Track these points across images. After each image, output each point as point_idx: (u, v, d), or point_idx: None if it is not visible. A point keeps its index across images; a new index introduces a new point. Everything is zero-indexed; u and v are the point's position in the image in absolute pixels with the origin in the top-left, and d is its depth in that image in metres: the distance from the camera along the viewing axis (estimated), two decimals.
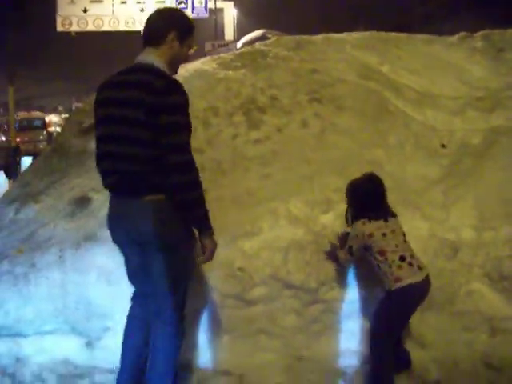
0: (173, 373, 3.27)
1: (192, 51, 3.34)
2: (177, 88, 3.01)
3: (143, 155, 3.00)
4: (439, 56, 6.46)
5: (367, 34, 6.90)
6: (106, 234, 4.10)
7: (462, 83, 6.06)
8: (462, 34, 6.99)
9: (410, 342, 3.90)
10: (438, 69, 6.24)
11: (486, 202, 4.48)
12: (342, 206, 4.29)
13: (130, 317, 3.44)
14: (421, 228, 4.27)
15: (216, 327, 3.97)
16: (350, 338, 3.99)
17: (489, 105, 5.62)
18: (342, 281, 4.01)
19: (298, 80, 5.52)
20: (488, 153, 4.94)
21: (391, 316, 3.59)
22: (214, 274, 3.96)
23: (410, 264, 3.51)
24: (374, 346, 3.59)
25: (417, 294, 3.55)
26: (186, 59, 3.38)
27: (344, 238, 3.85)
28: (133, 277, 3.37)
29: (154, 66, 3.06)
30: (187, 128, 3.08)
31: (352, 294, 4.00)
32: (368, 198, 3.69)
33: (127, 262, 3.37)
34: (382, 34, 6.86)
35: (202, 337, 3.95)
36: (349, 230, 3.78)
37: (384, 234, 3.55)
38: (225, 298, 3.96)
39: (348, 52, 6.22)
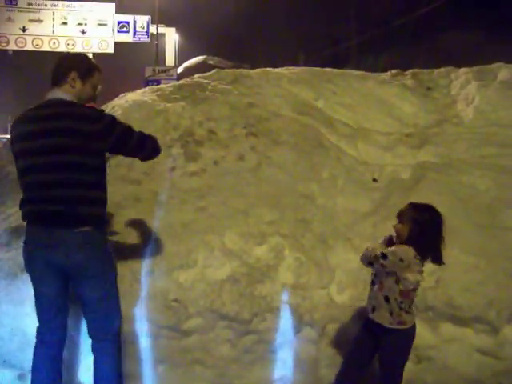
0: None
1: (98, 90, 3.70)
2: (101, 112, 3.47)
3: (89, 181, 3.35)
4: (372, 92, 6.69)
5: (304, 69, 7.09)
6: None
7: (393, 119, 6.31)
8: (394, 71, 7.29)
9: None
10: (371, 105, 6.47)
11: None
12: (276, 239, 4.44)
13: (40, 356, 3.54)
14: (351, 260, 4.42)
15: (151, 357, 4.00)
16: (282, 368, 4.10)
17: (417, 141, 5.89)
18: (273, 312, 4.12)
19: (235, 113, 5.62)
20: (416, 187, 5.16)
21: None
22: (150, 305, 4.01)
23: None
24: None
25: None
26: (92, 97, 3.71)
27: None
28: (48, 308, 3.51)
29: (64, 100, 3.39)
30: None
31: (283, 325, 4.11)
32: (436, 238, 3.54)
33: (44, 293, 3.49)
34: (318, 69, 7.05)
35: (137, 367, 3.98)
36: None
37: None
38: (160, 328, 4.01)
39: (284, 87, 6.38)
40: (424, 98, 6.72)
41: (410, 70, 7.35)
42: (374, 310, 3.58)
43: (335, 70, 7.14)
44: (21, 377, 3.93)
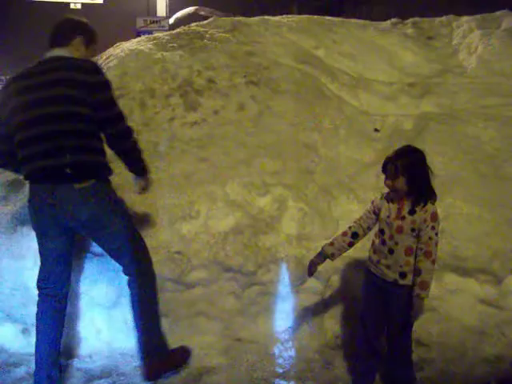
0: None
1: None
2: (101, 69, 3.44)
3: (87, 130, 3.29)
4: (372, 41, 6.55)
5: (303, 17, 6.91)
6: None
7: (394, 69, 6.19)
8: (394, 20, 7.13)
9: None
10: (372, 54, 6.33)
11: None
12: (279, 190, 4.37)
13: (45, 310, 3.46)
14: (354, 210, 4.37)
15: None
16: (286, 319, 4.08)
17: (419, 91, 5.79)
18: (278, 264, 4.09)
19: (234, 62, 5.49)
20: (418, 138, 5.08)
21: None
22: (153, 258, 3.95)
23: None
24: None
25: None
26: None
27: None
28: (55, 262, 3.43)
29: (68, 56, 3.37)
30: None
31: (288, 277, 4.07)
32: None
33: (51, 248, 3.41)
34: (318, 17, 6.88)
35: None
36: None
37: None
38: (164, 281, 3.96)
39: (284, 35, 6.23)
40: (425, 47, 6.59)
41: (411, 19, 7.19)
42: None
43: (335, 19, 6.98)
44: (24, 331, 3.90)
